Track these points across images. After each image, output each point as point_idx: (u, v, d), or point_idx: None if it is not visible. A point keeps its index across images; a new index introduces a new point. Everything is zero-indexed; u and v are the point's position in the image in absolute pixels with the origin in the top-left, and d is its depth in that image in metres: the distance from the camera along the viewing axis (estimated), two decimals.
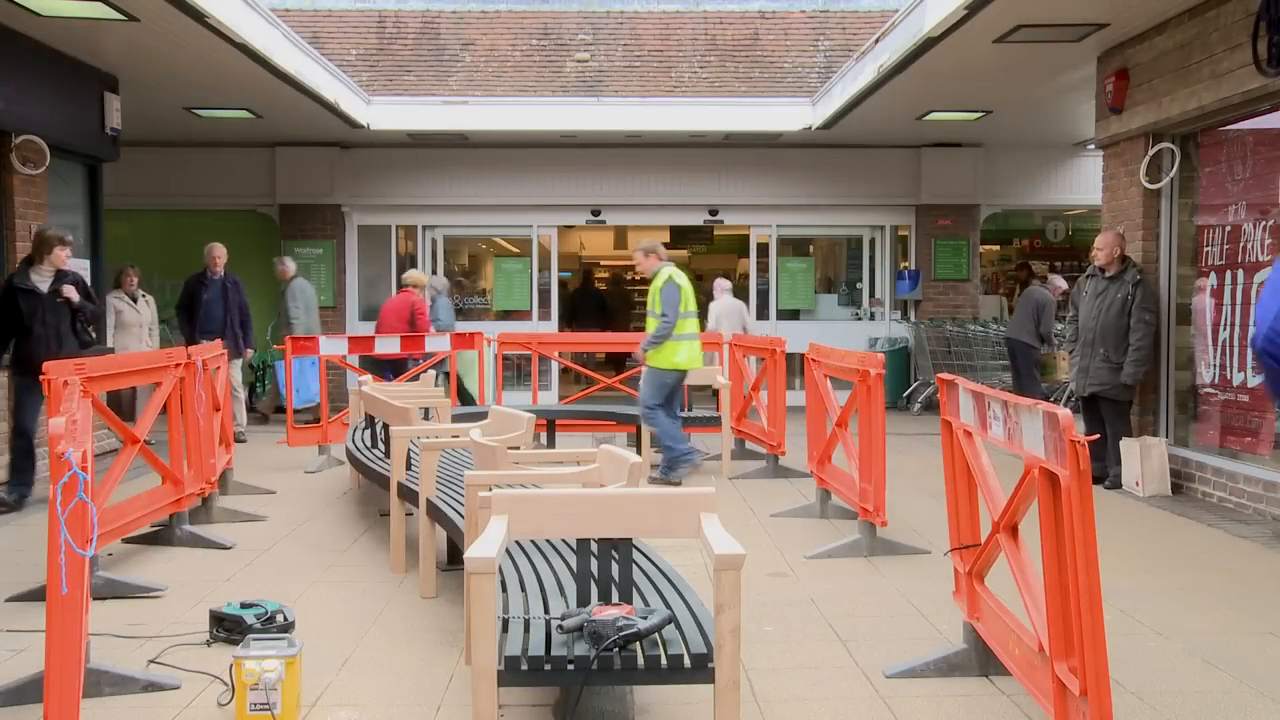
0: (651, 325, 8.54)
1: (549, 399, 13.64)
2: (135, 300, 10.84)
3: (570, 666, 3.05)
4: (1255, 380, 7.46)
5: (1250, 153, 7.65)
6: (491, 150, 14.37)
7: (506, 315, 14.88)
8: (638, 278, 20.72)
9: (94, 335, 8.03)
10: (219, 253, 11.14)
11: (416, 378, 10.18)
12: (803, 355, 7.91)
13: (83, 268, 10.14)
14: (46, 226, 8.23)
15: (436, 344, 11.00)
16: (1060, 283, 12.04)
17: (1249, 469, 7.38)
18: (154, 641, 4.62)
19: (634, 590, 3.48)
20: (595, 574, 3.43)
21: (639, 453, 8.94)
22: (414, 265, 14.91)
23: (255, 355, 12.21)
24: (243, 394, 11.43)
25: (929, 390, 13.58)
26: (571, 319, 16.71)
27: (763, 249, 15.03)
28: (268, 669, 3.64)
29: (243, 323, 11.14)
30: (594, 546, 3.43)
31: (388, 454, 6.53)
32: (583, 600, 3.42)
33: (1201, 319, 8.14)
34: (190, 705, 3.94)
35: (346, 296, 14.62)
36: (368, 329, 14.03)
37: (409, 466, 6.09)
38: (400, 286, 12.49)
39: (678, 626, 3.25)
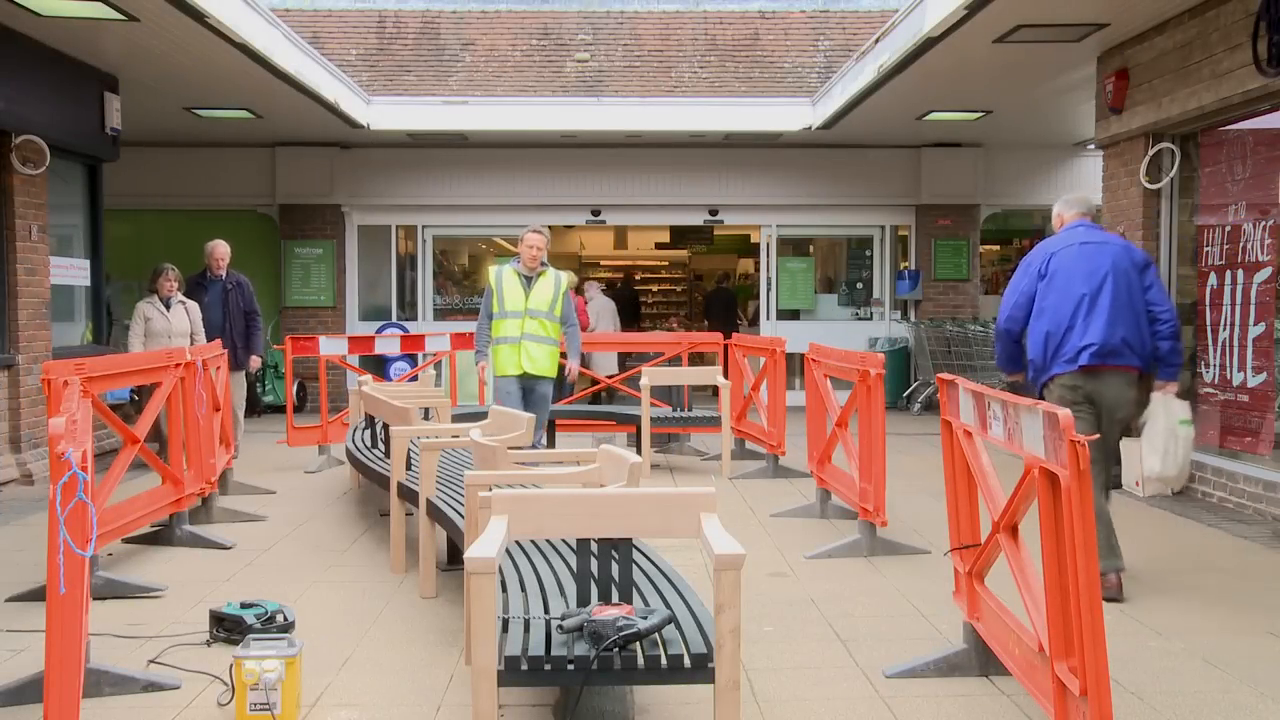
0: (550, 330, 8.17)
1: None
2: (169, 306, 9.26)
3: (570, 666, 3.05)
4: (1255, 380, 7.47)
5: (1250, 153, 7.64)
6: (491, 150, 14.37)
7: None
8: (642, 276, 20.72)
9: None
10: (221, 251, 9.90)
11: (415, 378, 10.17)
12: (803, 355, 7.91)
13: (82, 268, 10.17)
14: None
15: (437, 344, 11.02)
16: None
17: (1249, 469, 7.38)
18: (154, 641, 4.62)
19: (634, 590, 3.48)
20: (595, 574, 3.43)
21: (639, 453, 8.94)
22: (413, 266, 14.94)
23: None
24: (241, 411, 9.93)
25: (929, 390, 13.58)
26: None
27: (763, 248, 15.01)
28: (268, 669, 3.64)
29: (248, 328, 9.81)
30: (594, 546, 3.43)
31: (388, 454, 6.52)
32: (583, 600, 3.42)
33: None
34: (190, 705, 3.94)
35: (346, 297, 14.62)
36: (368, 329, 14.08)
37: (409, 466, 6.09)
38: None
39: (678, 626, 3.25)
